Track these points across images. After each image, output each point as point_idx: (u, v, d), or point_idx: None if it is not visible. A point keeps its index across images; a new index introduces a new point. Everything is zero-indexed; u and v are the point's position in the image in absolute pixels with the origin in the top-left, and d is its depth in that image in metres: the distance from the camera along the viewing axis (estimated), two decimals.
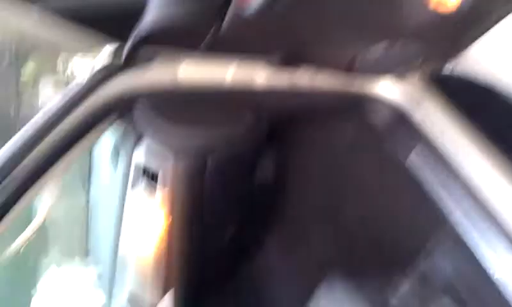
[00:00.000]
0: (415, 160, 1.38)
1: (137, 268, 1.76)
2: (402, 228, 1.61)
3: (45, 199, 1.38)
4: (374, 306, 1.33)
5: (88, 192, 2.14)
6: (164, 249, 1.64)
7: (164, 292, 1.79)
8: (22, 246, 1.44)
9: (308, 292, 1.57)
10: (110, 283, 2.01)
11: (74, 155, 1.19)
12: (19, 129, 1.17)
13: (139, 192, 1.48)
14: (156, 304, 1.83)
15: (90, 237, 2.24)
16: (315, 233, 1.89)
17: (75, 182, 2.28)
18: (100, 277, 2.71)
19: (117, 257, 1.74)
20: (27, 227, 1.87)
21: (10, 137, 1.16)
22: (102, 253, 1.97)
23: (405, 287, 1.44)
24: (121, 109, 1.26)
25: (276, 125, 1.50)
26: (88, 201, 2.17)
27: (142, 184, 1.40)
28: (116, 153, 1.51)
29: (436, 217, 1.37)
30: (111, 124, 1.30)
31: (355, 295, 1.37)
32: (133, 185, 1.42)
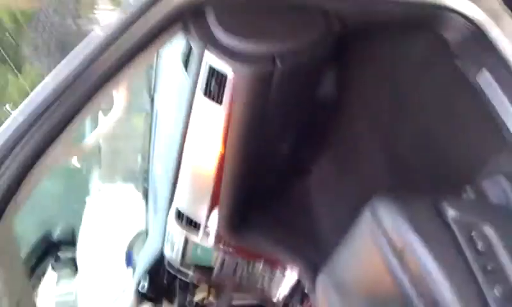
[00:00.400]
0: (486, 77, 1.35)
1: (189, 183, 1.82)
2: (463, 152, 1.61)
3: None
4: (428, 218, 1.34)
5: (152, 101, 2.22)
6: (218, 163, 1.66)
7: (212, 209, 1.86)
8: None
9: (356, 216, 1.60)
10: (160, 200, 2.11)
11: (140, 64, 1.24)
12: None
13: (205, 99, 1.51)
14: (204, 221, 1.92)
15: (150, 149, 2.32)
16: (370, 156, 1.90)
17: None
18: (148, 193, 2.85)
19: (179, 168, 1.79)
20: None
21: None
22: (160, 165, 2.05)
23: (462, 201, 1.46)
24: (186, 19, 1.28)
25: (343, 39, 1.48)
26: (151, 111, 2.25)
27: (210, 88, 1.43)
28: (186, 57, 1.54)
29: (500, 138, 1.35)
30: (175, 34, 1.32)
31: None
32: (202, 89, 1.45)
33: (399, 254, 1.34)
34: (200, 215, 1.87)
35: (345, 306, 1.75)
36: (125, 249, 3.17)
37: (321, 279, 1.84)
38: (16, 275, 1.61)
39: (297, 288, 2.23)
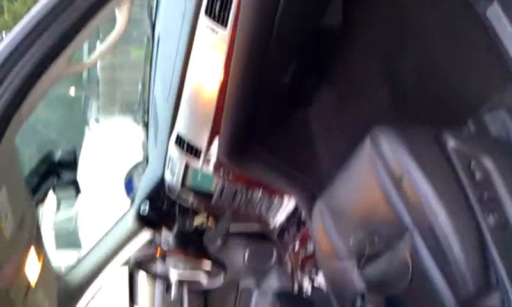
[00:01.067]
0: (496, 11, 1.32)
1: (190, 108, 1.82)
2: (467, 87, 1.60)
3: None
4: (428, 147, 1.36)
5: (153, 27, 2.16)
6: (220, 89, 1.66)
7: (213, 137, 1.87)
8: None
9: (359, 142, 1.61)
10: (161, 127, 2.11)
11: None
12: None
13: (208, 21, 1.47)
14: (205, 148, 1.92)
15: (151, 76, 2.29)
16: (372, 89, 1.89)
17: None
18: (148, 123, 2.84)
19: (181, 93, 1.77)
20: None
21: None
22: (162, 92, 2.03)
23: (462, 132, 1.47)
24: None
25: None
26: (152, 37, 2.20)
27: (214, 8, 1.40)
28: None
29: (505, 74, 1.34)
30: None
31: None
32: (205, 9, 1.42)
33: (397, 182, 1.37)
34: (200, 141, 1.88)
35: (340, 232, 1.81)
36: (124, 177, 3.21)
37: (318, 207, 1.89)
38: (19, 192, 1.64)
39: (294, 216, 2.30)
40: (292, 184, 2.10)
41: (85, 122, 8.65)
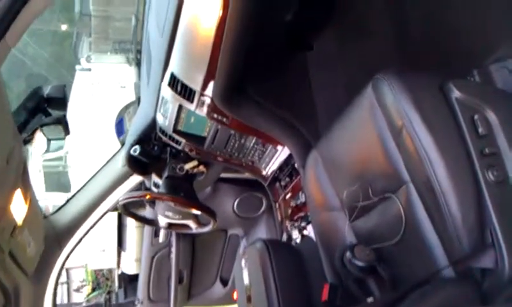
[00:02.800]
0: None
1: (186, 46, 1.72)
2: (474, 36, 1.54)
3: None
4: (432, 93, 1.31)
5: None
6: (218, 27, 1.56)
7: (209, 78, 1.78)
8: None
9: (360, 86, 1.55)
10: (154, 66, 2.01)
11: None
12: None
13: None
14: (199, 89, 1.83)
15: (145, 11, 2.18)
16: (376, 34, 1.82)
17: None
18: (140, 62, 2.74)
19: (176, 30, 1.67)
20: None
21: None
22: (156, 28, 1.92)
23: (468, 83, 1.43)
24: None
25: None
26: None
27: None
28: None
29: None
30: None
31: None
32: None
33: (397, 131, 1.32)
34: (195, 82, 1.81)
35: (334, 182, 1.78)
36: (115, 118, 3.14)
37: (312, 156, 1.86)
38: (6, 127, 1.58)
39: (286, 165, 2.27)
40: (287, 131, 2.06)
41: (76, 60, 8.43)
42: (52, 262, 2.45)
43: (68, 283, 9.30)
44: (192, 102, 1.89)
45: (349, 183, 1.66)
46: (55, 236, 2.47)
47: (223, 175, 2.78)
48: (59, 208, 2.59)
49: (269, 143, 2.19)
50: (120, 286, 7.15)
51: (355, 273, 1.57)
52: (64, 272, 9.27)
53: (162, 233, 2.38)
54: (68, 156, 8.23)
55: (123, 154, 2.39)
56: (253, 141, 2.18)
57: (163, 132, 2.19)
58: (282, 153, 2.22)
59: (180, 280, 3.07)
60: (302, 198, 2.11)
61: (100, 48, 8.58)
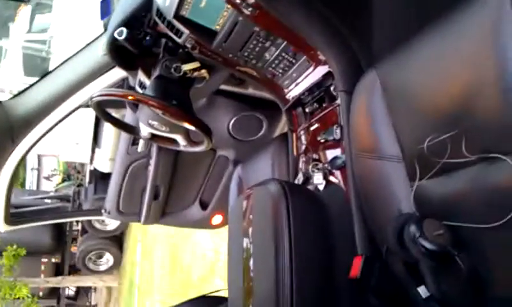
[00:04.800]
0: None
1: None
2: None
3: None
4: None
5: None
6: None
7: None
8: None
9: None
10: None
11: None
12: None
13: None
14: None
15: None
16: None
17: None
18: None
19: None
20: None
21: None
22: None
23: None
24: None
25: None
26: None
27: None
28: None
29: None
30: None
31: None
32: None
33: None
34: None
35: (397, 120, 1.26)
36: None
37: (370, 76, 1.32)
38: None
39: (319, 86, 1.71)
40: (333, 40, 1.50)
41: None
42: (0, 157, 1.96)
43: (38, 169, 9.06)
44: None
45: (426, 127, 1.14)
46: (8, 127, 1.96)
47: (222, 87, 2.23)
48: (19, 93, 2.05)
49: (303, 53, 1.63)
50: (90, 181, 6.83)
51: (417, 255, 1.10)
52: (35, 158, 9.00)
53: (141, 142, 1.86)
54: (52, 41, 7.50)
55: (104, 40, 1.79)
56: (282, 46, 1.62)
57: (161, 16, 1.61)
58: (317, 70, 1.66)
59: (155, 196, 2.67)
60: (336, 133, 1.57)
61: None
